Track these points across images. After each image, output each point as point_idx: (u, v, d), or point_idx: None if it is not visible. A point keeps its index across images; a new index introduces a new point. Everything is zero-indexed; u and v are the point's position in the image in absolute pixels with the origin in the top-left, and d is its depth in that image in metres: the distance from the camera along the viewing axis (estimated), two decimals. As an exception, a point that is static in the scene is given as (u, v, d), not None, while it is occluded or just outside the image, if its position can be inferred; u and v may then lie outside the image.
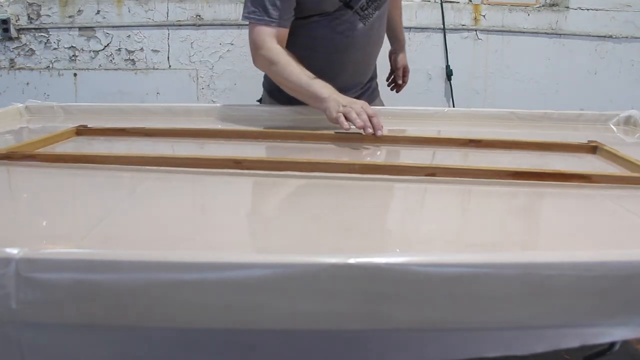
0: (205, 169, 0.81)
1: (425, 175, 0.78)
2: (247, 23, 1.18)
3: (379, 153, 1.00)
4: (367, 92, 1.38)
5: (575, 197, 0.75)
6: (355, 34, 1.23)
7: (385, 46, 1.45)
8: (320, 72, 1.16)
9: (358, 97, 1.32)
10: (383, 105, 1.43)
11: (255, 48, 1.16)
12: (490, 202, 0.74)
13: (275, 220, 0.69)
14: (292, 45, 1.19)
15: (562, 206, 0.74)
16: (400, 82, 1.56)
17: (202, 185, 0.80)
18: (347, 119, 1.00)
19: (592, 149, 0.98)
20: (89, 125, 1.09)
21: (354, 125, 0.99)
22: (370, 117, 1.00)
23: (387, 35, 1.50)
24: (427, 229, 0.67)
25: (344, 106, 1.02)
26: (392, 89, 1.58)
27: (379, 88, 1.47)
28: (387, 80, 1.58)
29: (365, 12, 1.22)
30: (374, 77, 1.42)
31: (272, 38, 1.14)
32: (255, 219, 0.70)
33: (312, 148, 1.01)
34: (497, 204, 0.74)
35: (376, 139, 0.99)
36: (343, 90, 1.18)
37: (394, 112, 1.30)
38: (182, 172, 0.81)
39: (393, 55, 1.56)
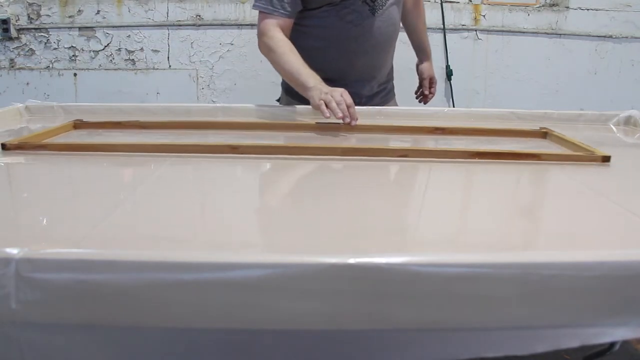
0: (204, 154, 0.90)
1: (399, 157, 0.91)
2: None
3: (356, 140, 1.08)
4: (382, 92, 1.41)
5: (527, 172, 0.88)
6: (365, 23, 1.26)
7: (401, 51, 1.45)
8: (333, 62, 1.23)
9: (374, 97, 1.38)
10: (397, 106, 1.45)
11: (260, 35, 1.24)
12: (453, 177, 0.87)
13: (274, 206, 0.76)
14: (306, 36, 1.25)
15: (516, 179, 0.88)
16: (427, 92, 1.57)
17: (202, 171, 0.88)
18: (328, 107, 1.08)
19: (543, 134, 1.11)
20: (85, 120, 1.11)
21: (335, 116, 1.07)
22: (347, 107, 1.08)
23: (413, 46, 1.55)
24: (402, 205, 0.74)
25: (326, 94, 1.10)
26: (420, 101, 1.59)
27: (395, 90, 1.49)
28: (416, 92, 1.59)
29: (375, 2, 1.25)
30: (390, 78, 1.45)
31: (275, 27, 1.21)
32: (255, 207, 0.74)
33: (299, 136, 1.10)
34: (461, 178, 0.87)
35: (353, 127, 1.08)
36: (358, 83, 1.22)
37: (395, 112, 1.30)
38: (184, 160, 0.88)
39: (419, 66, 1.57)
